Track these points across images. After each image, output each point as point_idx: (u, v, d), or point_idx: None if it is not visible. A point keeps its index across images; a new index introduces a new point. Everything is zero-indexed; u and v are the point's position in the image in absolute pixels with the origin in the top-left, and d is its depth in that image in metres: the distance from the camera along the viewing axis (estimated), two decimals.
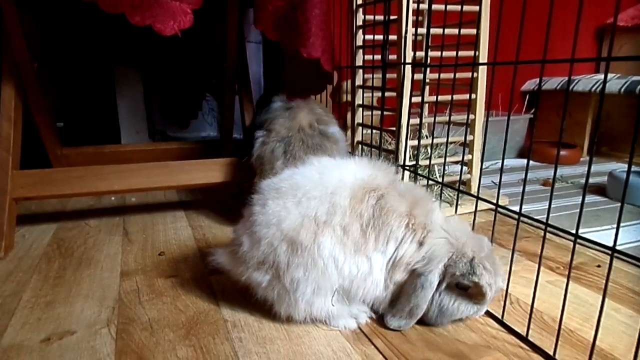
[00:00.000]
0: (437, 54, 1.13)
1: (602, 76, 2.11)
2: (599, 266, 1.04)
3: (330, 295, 0.75)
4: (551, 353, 0.71)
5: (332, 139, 1.21)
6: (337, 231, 0.74)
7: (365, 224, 0.75)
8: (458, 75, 1.00)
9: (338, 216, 0.74)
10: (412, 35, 1.24)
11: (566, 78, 2.22)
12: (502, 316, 0.82)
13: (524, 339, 0.76)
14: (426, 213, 0.78)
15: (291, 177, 0.81)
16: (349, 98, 1.57)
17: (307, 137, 1.17)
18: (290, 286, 0.74)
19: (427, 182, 1.08)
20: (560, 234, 1.22)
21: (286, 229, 0.74)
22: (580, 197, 1.55)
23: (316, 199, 0.75)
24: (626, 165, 1.99)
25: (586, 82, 2.12)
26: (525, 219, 0.81)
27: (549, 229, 0.73)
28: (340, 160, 0.86)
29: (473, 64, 1.23)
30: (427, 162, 1.35)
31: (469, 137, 1.43)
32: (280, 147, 1.16)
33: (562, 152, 2.10)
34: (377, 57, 1.43)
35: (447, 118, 1.12)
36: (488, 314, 0.84)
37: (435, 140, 1.36)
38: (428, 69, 1.30)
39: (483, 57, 1.34)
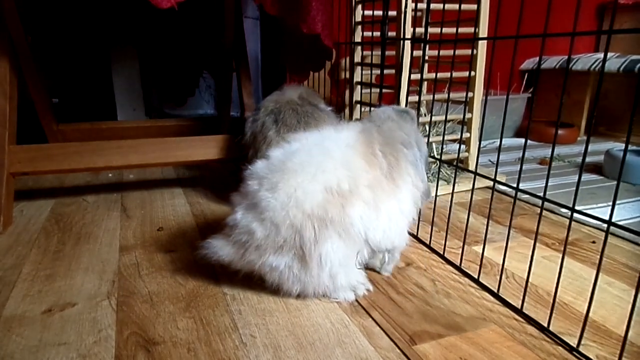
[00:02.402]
0: (437, 30, 1.12)
1: (601, 55, 2.10)
2: (593, 242, 1.05)
3: (354, 260, 0.78)
4: (545, 324, 0.73)
5: (323, 109, 1.21)
6: (364, 194, 0.76)
7: (387, 173, 0.79)
8: (457, 52, 0.99)
9: (362, 179, 0.76)
10: (412, 10, 1.22)
11: (565, 57, 2.21)
12: (498, 290, 0.83)
13: (518, 312, 0.77)
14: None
15: (292, 155, 0.78)
16: (347, 75, 1.56)
17: (297, 107, 1.17)
18: (317, 262, 0.74)
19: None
20: (557, 210, 1.23)
21: (309, 208, 0.72)
22: (577, 175, 1.56)
23: (331, 170, 0.75)
24: (623, 144, 1.98)
25: (585, 60, 2.11)
26: (522, 195, 0.81)
27: (545, 204, 0.73)
28: (321, 131, 0.85)
29: (473, 39, 1.22)
30: (425, 139, 1.35)
31: (467, 115, 1.43)
32: (270, 118, 1.15)
33: (560, 132, 2.10)
34: (376, 33, 1.42)
35: (446, 96, 1.12)
36: (484, 287, 0.85)
37: (433, 118, 1.36)
38: (427, 46, 1.29)
39: (483, 33, 1.32)
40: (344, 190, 0.74)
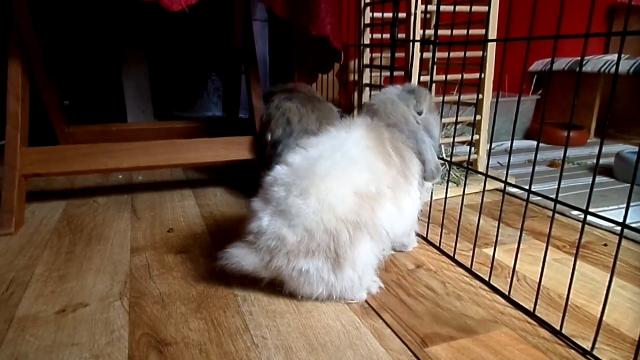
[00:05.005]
0: (446, 32, 1.11)
1: (611, 57, 2.09)
2: (605, 245, 1.05)
3: (377, 260, 0.80)
4: (558, 327, 0.72)
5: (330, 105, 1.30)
6: (388, 195, 0.78)
7: (401, 171, 0.83)
8: (467, 54, 0.99)
9: (384, 181, 0.78)
10: (421, 12, 1.22)
11: (574, 59, 2.20)
12: (509, 292, 0.82)
13: (531, 314, 0.77)
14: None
15: (317, 160, 0.78)
16: (356, 77, 1.56)
17: (307, 99, 1.26)
18: (351, 264, 0.74)
19: None
20: (567, 213, 1.22)
21: (342, 213, 0.73)
22: (587, 177, 1.55)
23: (357, 174, 0.77)
24: (632, 147, 1.96)
25: (595, 62, 2.10)
26: (532, 197, 0.81)
27: (557, 207, 0.73)
28: (334, 134, 0.85)
29: (484, 40, 1.22)
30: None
31: (477, 117, 1.42)
32: (286, 102, 1.26)
33: (570, 134, 2.09)
34: (386, 35, 1.42)
35: (454, 98, 1.11)
36: (495, 290, 0.85)
37: (443, 120, 1.36)
38: (437, 48, 1.29)
39: (492, 35, 1.32)
40: (371, 193, 0.76)
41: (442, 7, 1.06)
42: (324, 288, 0.76)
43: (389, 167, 0.81)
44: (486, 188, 0.92)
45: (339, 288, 0.77)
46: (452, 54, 1.33)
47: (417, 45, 1.20)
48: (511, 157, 0.82)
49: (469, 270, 0.92)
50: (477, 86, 1.36)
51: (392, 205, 0.79)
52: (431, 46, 1.08)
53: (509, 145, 2.00)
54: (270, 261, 0.75)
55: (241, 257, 0.77)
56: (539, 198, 0.83)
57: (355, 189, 0.75)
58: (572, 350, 0.69)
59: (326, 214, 0.73)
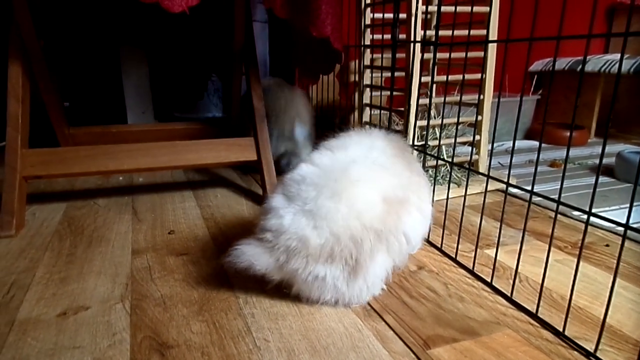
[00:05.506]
0: (446, 32, 1.11)
1: (611, 56, 2.09)
2: (607, 245, 1.04)
3: (391, 268, 0.79)
4: (560, 329, 0.72)
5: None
6: (414, 200, 0.79)
7: (421, 176, 0.86)
8: (468, 54, 0.99)
9: (410, 186, 0.80)
10: (422, 13, 1.22)
11: (574, 58, 2.20)
12: (511, 294, 0.82)
13: (533, 316, 0.77)
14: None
15: (348, 164, 0.77)
16: (357, 78, 1.56)
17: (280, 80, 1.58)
18: (365, 275, 0.73)
19: (437, 162, 1.08)
20: (568, 213, 1.22)
21: (368, 220, 0.72)
22: (588, 177, 1.55)
23: (386, 180, 0.77)
24: (633, 146, 1.96)
25: (596, 62, 2.10)
26: (534, 198, 0.81)
27: (560, 208, 0.73)
28: (358, 140, 0.85)
29: (485, 41, 1.22)
30: (436, 142, 1.35)
31: (477, 118, 1.42)
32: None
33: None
34: (386, 36, 1.42)
35: (455, 98, 1.11)
36: (497, 291, 0.85)
37: (444, 121, 1.36)
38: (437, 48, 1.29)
39: (493, 36, 1.32)
40: (399, 197, 0.76)
41: (442, 8, 1.06)
42: (334, 295, 0.75)
43: (412, 173, 0.83)
44: (488, 189, 0.91)
45: (348, 296, 0.76)
46: (453, 55, 1.33)
47: (418, 46, 1.20)
48: (513, 157, 0.82)
49: (471, 272, 0.92)
50: (478, 87, 1.36)
51: (417, 210, 0.80)
52: (432, 47, 1.08)
53: (510, 145, 2.00)
54: (286, 262, 0.72)
55: (254, 256, 0.73)
56: (540, 198, 0.83)
57: (385, 196, 0.75)
58: (575, 352, 0.68)
59: (353, 221, 0.71)
